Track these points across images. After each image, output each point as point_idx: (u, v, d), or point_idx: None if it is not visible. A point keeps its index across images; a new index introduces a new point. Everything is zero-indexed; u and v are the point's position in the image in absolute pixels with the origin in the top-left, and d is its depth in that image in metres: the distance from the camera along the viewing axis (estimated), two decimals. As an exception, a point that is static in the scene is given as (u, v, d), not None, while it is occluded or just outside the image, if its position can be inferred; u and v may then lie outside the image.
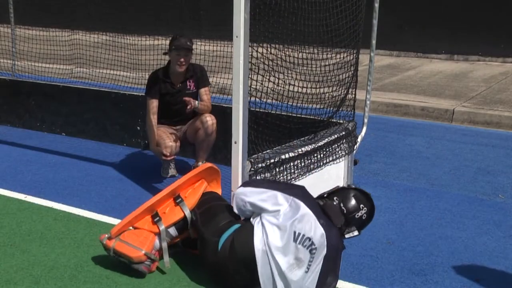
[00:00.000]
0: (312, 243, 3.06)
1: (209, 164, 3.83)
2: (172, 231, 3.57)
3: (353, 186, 3.45)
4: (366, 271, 3.64)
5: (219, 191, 3.91)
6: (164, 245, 3.49)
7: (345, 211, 3.25)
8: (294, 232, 3.06)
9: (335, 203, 3.27)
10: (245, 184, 3.38)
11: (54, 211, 4.47)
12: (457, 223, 4.37)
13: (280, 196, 3.17)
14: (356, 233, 3.29)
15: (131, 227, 3.57)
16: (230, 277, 3.20)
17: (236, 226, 3.27)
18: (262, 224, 3.13)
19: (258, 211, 3.22)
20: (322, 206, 3.23)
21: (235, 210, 3.34)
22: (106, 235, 3.53)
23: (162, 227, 3.52)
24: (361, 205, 3.28)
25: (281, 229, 3.07)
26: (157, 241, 3.52)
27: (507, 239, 4.12)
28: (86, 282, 3.44)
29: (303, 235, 3.06)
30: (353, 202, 3.28)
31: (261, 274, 3.07)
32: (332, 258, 3.14)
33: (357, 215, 3.27)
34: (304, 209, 3.11)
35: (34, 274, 3.51)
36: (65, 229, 4.15)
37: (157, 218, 3.55)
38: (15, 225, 4.21)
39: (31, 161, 5.71)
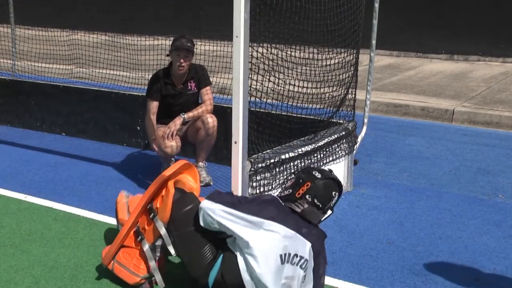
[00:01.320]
0: (301, 258, 3.00)
1: (164, 175, 3.35)
2: (159, 243, 3.38)
3: (315, 170, 3.21)
4: (366, 271, 3.64)
5: (195, 175, 3.53)
6: (153, 264, 3.33)
7: (320, 206, 3.12)
8: (280, 255, 2.98)
9: (308, 201, 3.10)
10: (213, 198, 3.15)
11: (54, 211, 4.47)
12: (457, 223, 4.37)
13: (252, 220, 3.00)
14: (330, 212, 3.20)
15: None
16: None
17: (220, 259, 3.12)
18: (245, 258, 3.01)
19: (227, 232, 3.08)
20: (300, 213, 3.09)
21: (201, 223, 3.14)
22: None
23: (146, 247, 3.32)
24: (333, 193, 3.15)
25: (266, 257, 2.97)
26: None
27: (507, 239, 4.12)
28: (86, 282, 3.44)
29: (289, 254, 2.99)
30: (326, 193, 3.13)
31: None
32: (318, 252, 3.10)
33: (332, 204, 3.17)
34: (282, 231, 2.99)
35: (34, 274, 3.51)
36: (65, 229, 4.15)
37: (140, 237, 3.35)
38: (15, 225, 4.21)
39: (31, 161, 5.71)
